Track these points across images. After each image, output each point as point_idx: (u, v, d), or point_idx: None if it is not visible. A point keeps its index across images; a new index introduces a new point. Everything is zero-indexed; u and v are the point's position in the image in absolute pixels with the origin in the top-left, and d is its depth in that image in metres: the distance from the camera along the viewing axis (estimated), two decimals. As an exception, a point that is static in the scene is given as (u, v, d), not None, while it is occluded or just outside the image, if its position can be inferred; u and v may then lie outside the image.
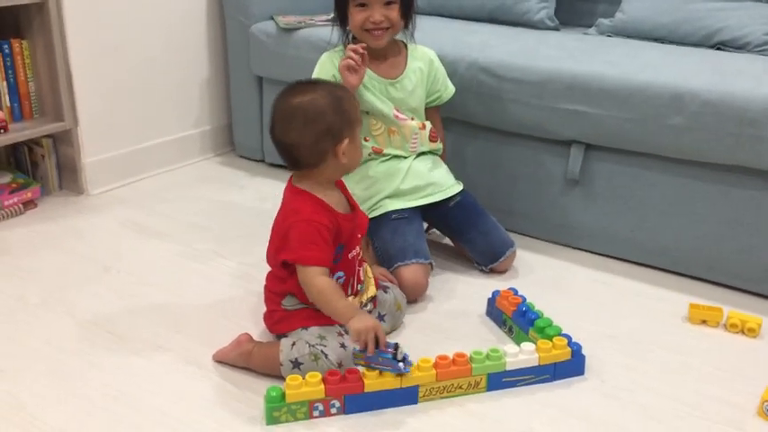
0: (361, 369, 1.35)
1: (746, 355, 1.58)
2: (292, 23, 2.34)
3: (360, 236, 1.53)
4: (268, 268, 1.54)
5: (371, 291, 1.56)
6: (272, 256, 1.49)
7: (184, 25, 2.48)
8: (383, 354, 1.33)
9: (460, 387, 1.40)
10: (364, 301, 1.54)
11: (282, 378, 1.36)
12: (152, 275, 1.83)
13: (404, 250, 1.72)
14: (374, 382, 1.34)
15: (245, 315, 1.65)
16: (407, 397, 1.37)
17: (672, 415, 1.39)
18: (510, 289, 1.65)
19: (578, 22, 2.54)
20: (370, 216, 1.78)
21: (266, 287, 1.54)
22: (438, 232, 2.00)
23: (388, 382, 1.35)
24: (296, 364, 1.38)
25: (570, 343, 1.47)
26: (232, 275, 1.84)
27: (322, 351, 1.38)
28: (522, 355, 1.43)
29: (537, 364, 1.44)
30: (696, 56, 1.99)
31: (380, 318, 1.56)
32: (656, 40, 2.23)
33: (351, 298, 1.50)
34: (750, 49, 2.10)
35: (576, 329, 1.56)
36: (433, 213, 1.88)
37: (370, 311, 1.54)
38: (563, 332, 1.50)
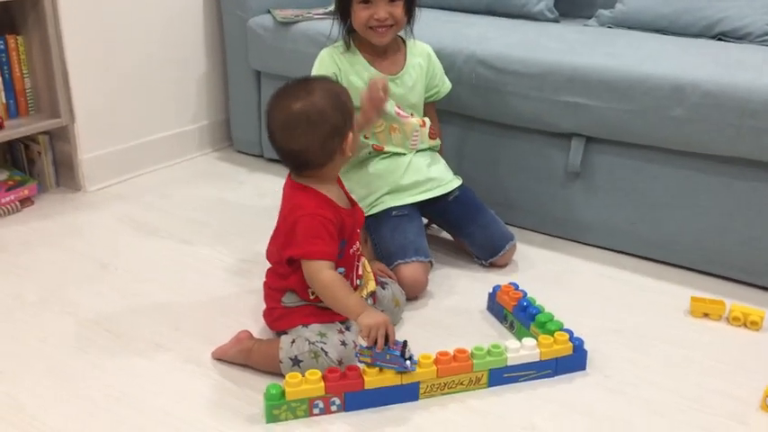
0: (361, 366, 1.34)
1: (749, 348, 1.57)
2: (290, 17, 2.33)
3: (358, 231, 1.52)
4: (268, 265, 1.53)
5: (371, 286, 1.55)
6: (274, 253, 1.48)
7: (181, 19, 2.46)
8: (391, 351, 1.32)
9: (461, 383, 1.39)
10: (364, 296, 1.53)
11: (282, 376, 1.35)
12: (150, 272, 1.82)
13: (404, 248, 1.71)
14: (374, 378, 1.33)
15: (245, 312, 1.64)
16: (408, 394, 1.36)
17: (674, 409, 1.38)
18: (511, 284, 1.64)
19: (578, 14, 2.52)
20: (370, 213, 1.78)
21: (266, 284, 1.53)
22: (437, 227, 1.99)
23: (389, 378, 1.34)
24: (296, 362, 1.37)
25: (572, 338, 1.46)
26: (231, 272, 1.83)
27: (322, 348, 1.37)
28: (523, 350, 1.42)
29: (538, 359, 1.43)
30: (697, 47, 1.98)
31: (379, 314, 1.55)
32: (656, 31, 2.22)
33: (351, 293, 1.49)
34: (751, 40, 2.09)
35: (578, 324, 1.55)
36: (432, 209, 1.87)
37: (369, 307, 1.52)
38: (564, 327, 1.49)
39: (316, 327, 1.42)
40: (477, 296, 1.72)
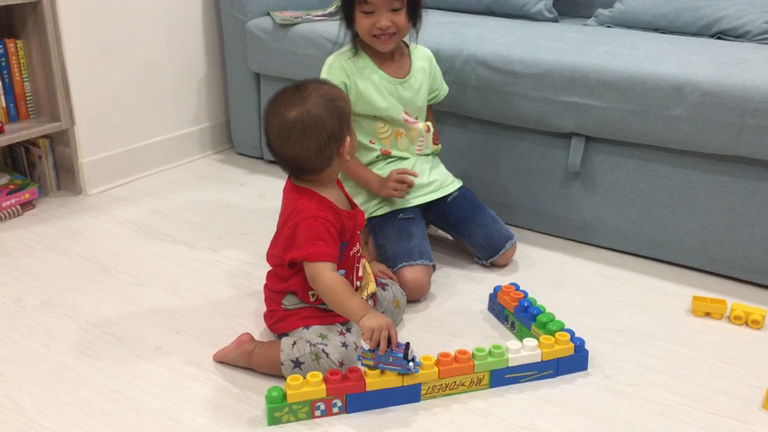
0: (363, 368, 1.34)
1: (751, 347, 1.57)
2: (289, 19, 2.33)
3: (358, 233, 1.52)
4: (268, 267, 1.53)
5: (371, 287, 1.55)
6: (274, 255, 1.48)
7: (180, 22, 2.46)
8: (394, 353, 1.32)
9: (463, 384, 1.39)
10: (364, 298, 1.53)
11: (284, 378, 1.35)
12: (151, 275, 1.82)
13: (410, 251, 1.71)
14: (376, 380, 1.33)
15: (246, 314, 1.64)
16: (410, 395, 1.36)
17: (676, 409, 1.38)
18: (511, 284, 1.64)
19: (577, 13, 2.52)
20: (375, 214, 1.78)
21: (266, 286, 1.53)
22: (435, 227, 1.99)
23: (390, 380, 1.34)
24: (297, 364, 1.37)
25: (573, 338, 1.46)
26: (232, 274, 1.83)
27: (323, 350, 1.37)
28: (524, 350, 1.42)
29: (540, 359, 1.42)
30: (696, 46, 1.97)
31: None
32: (655, 30, 2.22)
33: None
34: (750, 38, 2.09)
35: (579, 324, 1.55)
36: (433, 211, 1.87)
37: (370, 309, 1.52)
38: (566, 327, 1.49)
39: (316, 328, 1.42)
40: (478, 297, 1.72)
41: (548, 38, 2.07)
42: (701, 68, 1.75)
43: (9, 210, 2.11)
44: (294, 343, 1.39)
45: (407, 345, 1.33)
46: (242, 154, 2.66)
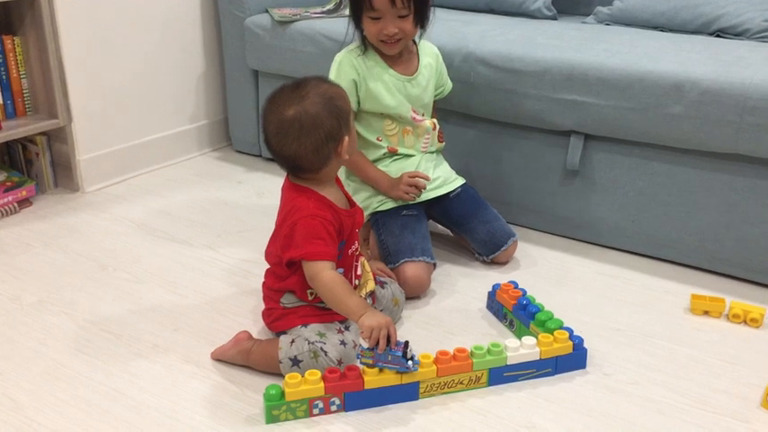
0: (361, 367, 1.34)
1: (749, 345, 1.57)
2: (287, 16, 2.32)
3: (357, 231, 1.52)
4: (267, 265, 1.52)
5: (370, 285, 1.54)
6: (273, 254, 1.48)
7: (178, 19, 2.46)
8: (393, 352, 1.31)
9: (461, 382, 1.39)
10: (363, 296, 1.52)
11: (282, 376, 1.35)
12: (149, 273, 1.81)
13: (412, 247, 1.71)
14: (374, 378, 1.33)
15: (244, 312, 1.64)
16: (408, 393, 1.36)
17: (675, 407, 1.38)
18: (510, 282, 1.64)
19: (576, 11, 2.52)
20: (379, 209, 1.78)
21: (265, 285, 1.53)
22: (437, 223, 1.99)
23: (389, 378, 1.34)
24: (295, 362, 1.37)
25: (572, 336, 1.46)
26: (230, 272, 1.83)
27: (321, 348, 1.37)
28: (523, 349, 1.41)
29: (538, 358, 1.42)
30: (695, 44, 1.97)
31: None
32: (654, 27, 2.22)
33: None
34: (749, 36, 2.09)
35: (578, 322, 1.55)
36: (436, 208, 1.87)
37: (369, 307, 1.52)
38: (564, 325, 1.49)
39: (315, 326, 1.42)
40: (477, 295, 1.72)
41: (547, 36, 2.06)
42: (700, 66, 1.75)
43: (6, 207, 2.10)
44: (292, 341, 1.39)
45: (406, 343, 1.33)
46: (240, 151, 2.65)
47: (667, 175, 1.84)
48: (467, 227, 1.87)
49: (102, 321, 1.61)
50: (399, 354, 1.31)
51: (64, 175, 2.28)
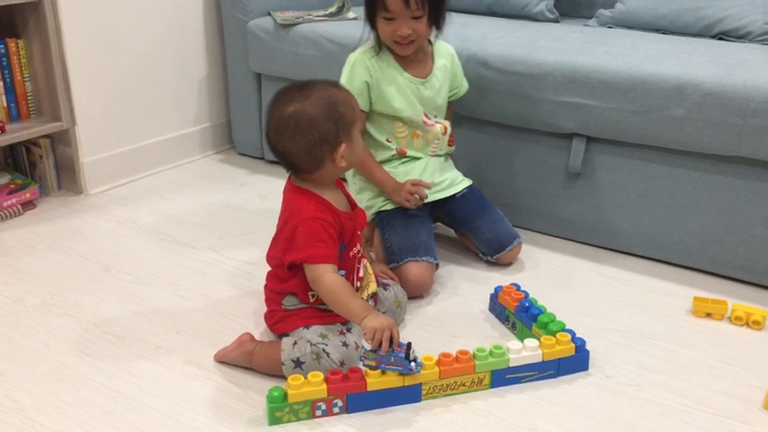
0: (363, 368, 1.34)
1: (751, 347, 1.57)
2: (290, 19, 2.33)
3: (359, 233, 1.52)
4: (269, 267, 1.52)
5: (372, 287, 1.55)
6: (274, 256, 1.48)
7: (181, 22, 2.47)
8: (396, 353, 1.31)
9: (464, 384, 1.39)
10: (365, 298, 1.53)
11: (284, 378, 1.35)
12: (152, 275, 1.82)
13: (416, 246, 1.71)
14: (377, 380, 1.33)
15: (246, 314, 1.64)
16: (410, 395, 1.36)
17: (677, 409, 1.38)
18: (512, 284, 1.64)
19: (578, 14, 2.52)
20: (384, 208, 1.79)
21: (266, 287, 1.53)
22: (442, 224, 1.99)
23: (391, 380, 1.34)
24: (298, 364, 1.37)
25: (574, 338, 1.46)
26: (233, 274, 1.83)
27: (324, 350, 1.37)
28: (525, 351, 1.41)
29: (540, 360, 1.42)
30: (698, 46, 1.97)
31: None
32: (656, 30, 2.22)
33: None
34: (752, 39, 2.09)
35: (580, 324, 1.55)
36: (441, 209, 1.88)
37: (371, 309, 1.52)
38: (566, 327, 1.49)
39: (317, 328, 1.42)
40: (479, 297, 1.72)
41: (549, 38, 2.07)
42: (702, 69, 1.75)
43: (10, 209, 2.11)
44: (295, 343, 1.39)
45: (409, 345, 1.33)
46: (243, 154, 2.66)
47: (669, 178, 1.84)
48: (472, 226, 1.87)
49: (104, 323, 1.61)
50: (402, 355, 1.31)
51: (67, 178, 2.29)
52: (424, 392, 1.37)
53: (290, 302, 1.46)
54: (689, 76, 1.73)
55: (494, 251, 1.85)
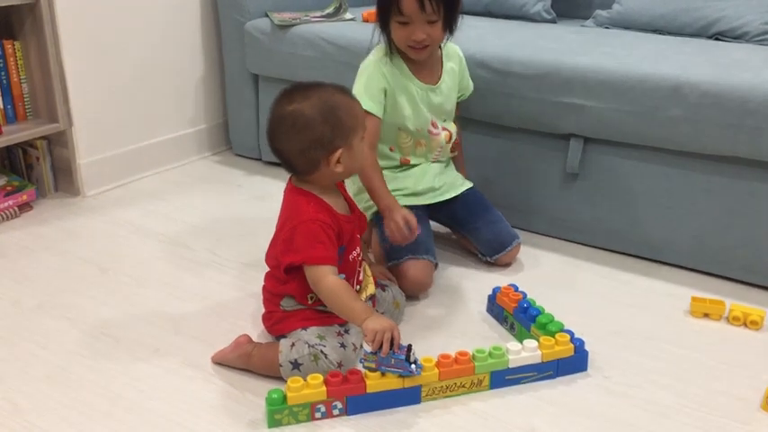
0: (363, 370, 1.34)
1: (749, 347, 1.57)
2: (287, 20, 2.32)
3: (359, 236, 1.52)
4: (267, 268, 1.52)
5: (370, 289, 1.54)
6: (272, 257, 1.48)
7: (178, 23, 2.46)
8: (396, 355, 1.31)
9: (463, 386, 1.39)
10: (364, 299, 1.52)
11: (282, 379, 1.35)
12: (149, 277, 1.81)
13: (416, 246, 1.70)
14: (376, 382, 1.33)
15: (244, 316, 1.64)
16: (410, 397, 1.36)
17: (675, 410, 1.38)
18: (510, 285, 1.64)
19: (575, 15, 2.53)
20: None
21: (265, 288, 1.53)
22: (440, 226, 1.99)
23: (391, 382, 1.33)
24: (296, 365, 1.37)
25: (573, 339, 1.46)
26: (230, 276, 1.83)
27: (322, 351, 1.37)
28: (524, 352, 1.41)
29: (540, 360, 1.42)
30: (695, 47, 1.98)
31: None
32: (653, 31, 2.23)
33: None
34: (749, 39, 2.09)
35: (578, 325, 1.54)
36: (440, 211, 1.88)
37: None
38: (565, 328, 1.49)
39: (315, 330, 1.42)
40: (478, 298, 1.72)
41: (546, 39, 2.07)
42: (699, 69, 1.76)
43: (6, 211, 2.10)
44: (293, 344, 1.39)
45: (409, 347, 1.33)
46: (240, 155, 2.65)
47: (667, 178, 1.84)
48: (471, 227, 1.87)
49: (102, 325, 1.61)
50: (402, 357, 1.31)
51: (64, 180, 2.29)
52: (423, 394, 1.37)
53: (288, 304, 1.46)
54: (686, 77, 1.73)
55: (494, 251, 1.85)
